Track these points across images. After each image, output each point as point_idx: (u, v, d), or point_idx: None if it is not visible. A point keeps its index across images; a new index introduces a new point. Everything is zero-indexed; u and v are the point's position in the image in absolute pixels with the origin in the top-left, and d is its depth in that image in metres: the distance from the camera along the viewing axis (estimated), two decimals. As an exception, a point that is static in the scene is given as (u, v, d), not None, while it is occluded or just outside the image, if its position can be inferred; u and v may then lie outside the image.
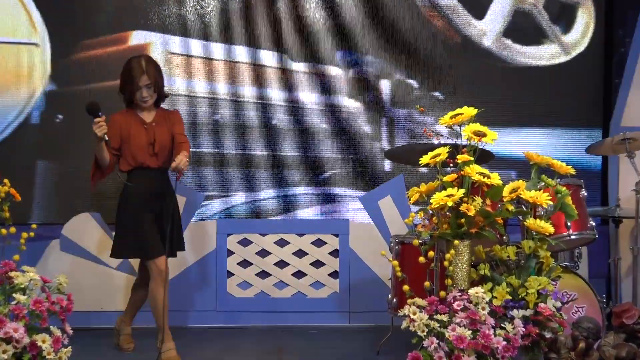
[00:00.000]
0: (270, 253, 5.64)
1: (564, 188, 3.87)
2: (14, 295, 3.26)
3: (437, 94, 5.48)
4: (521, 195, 3.71)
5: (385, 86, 5.23)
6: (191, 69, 4.87)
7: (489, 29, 5.29)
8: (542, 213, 3.84)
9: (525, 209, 3.79)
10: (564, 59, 5.42)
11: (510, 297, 3.54)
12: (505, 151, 5.44)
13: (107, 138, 4.32)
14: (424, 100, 5.28)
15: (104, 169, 4.52)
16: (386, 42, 5.28)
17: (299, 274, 5.70)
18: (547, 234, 3.64)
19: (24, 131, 5.40)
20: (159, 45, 4.67)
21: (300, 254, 5.69)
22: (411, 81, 5.42)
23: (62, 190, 5.46)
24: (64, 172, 5.46)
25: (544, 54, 5.46)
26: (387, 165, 5.54)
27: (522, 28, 5.53)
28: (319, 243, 5.71)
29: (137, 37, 5.12)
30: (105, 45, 5.12)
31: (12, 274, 3.34)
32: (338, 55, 5.04)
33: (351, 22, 5.26)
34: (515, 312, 3.48)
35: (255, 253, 5.56)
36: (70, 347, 3.35)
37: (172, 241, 4.54)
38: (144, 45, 5.10)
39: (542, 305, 3.49)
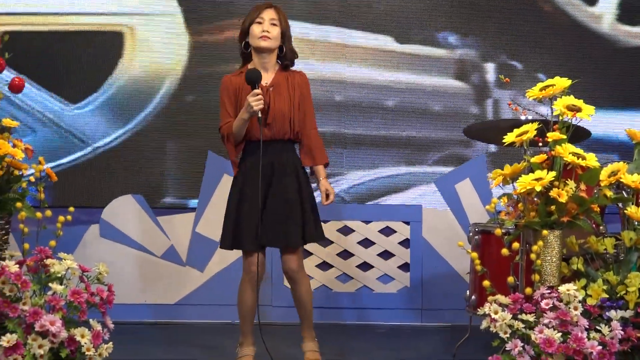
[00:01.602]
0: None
1: (672, 171, 3.79)
2: (50, 285, 3.33)
3: (540, 75, 5.60)
4: (622, 180, 3.65)
5: (489, 68, 5.57)
6: (310, 52, 5.38)
7: (597, 10, 5.57)
8: (646, 200, 3.78)
9: (626, 195, 3.73)
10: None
11: (607, 296, 3.49)
12: (608, 133, 5.48)
13: (260, 115, 4.12)
14: (527, 81, 5.47)
15: (238, 144, 4.30)
16: (486, 23, 5.57)
17: (365, 266, 5.72)
18: (652, 224, 3.59)
19: (162, 112, 5.68)
20: None
21: (366, 243, 5.72)
22: (514, 63, 5.63)
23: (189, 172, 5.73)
24: (192, 154, 5.72)
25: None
26: (492, 147, 5.57)
27: (631, 9, 5.68)
28: (387, 231, 5.72)
29: None
30: (230, 28, 5.51)
31: (48, 261, 3.40)
32: (440, 37, 5.46)
33: (451, 3, 5.55)
34: (612, 313, 3.43)
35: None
36: (111, 342, 3.42)
37: (280, 229, 4.23)
38: None
39: (644, 305, 3.45)
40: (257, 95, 4.10)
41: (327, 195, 4.32)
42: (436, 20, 5.54)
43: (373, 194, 5.68)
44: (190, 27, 5.59)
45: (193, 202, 5.71)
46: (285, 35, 4.32)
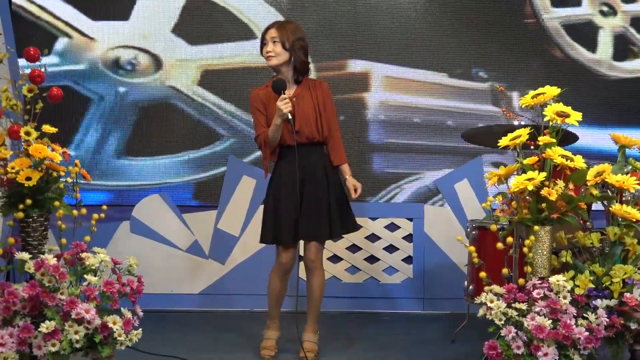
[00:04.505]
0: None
1: (653, 171, 3.78)
2: (85, 276, 3.34)
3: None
4: (606, 180, 3.64)
5: (514, 96, 5.86)
6: (398, 87, 5.79)
7: (600, 57, 5.97)
8: (629, 198, 3.76)
9: (610, 194, 3.71)
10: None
11: (594, 286, 3.48)
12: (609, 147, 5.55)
13: (290, 117, 4.15)
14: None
15: (273, 150, 4.35)
16: (506, 61, 5.86)
17: (372, 259, 5.72)
18: (634, 220, 3.57)
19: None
20: (376, 71, 5.77)
21: (373, 238, 5.71)
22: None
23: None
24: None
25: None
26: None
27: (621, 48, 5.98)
28: (392, 227, 5.72)
29: (355, 65, 5.83)
30: (329, 69, 5.82)
31: (83, 255, 3.41)
32: (473, 72, 5.83)
33: (481, 45, 5.85)
34: (598, 302, 3.42)
35: (327, 237, 5.58)
36: (140, 329, 3.43)
37: (311, 224, 4.27)
38: (364, 72, 5.81)
39: (627, 295, 3.43)
40: (285, 99, 4.14)
41: (355, 190, 4.36)
42: (470, 58, 5.86)
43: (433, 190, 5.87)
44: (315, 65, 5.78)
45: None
46: (292, 48, 4.27)
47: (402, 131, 5.80)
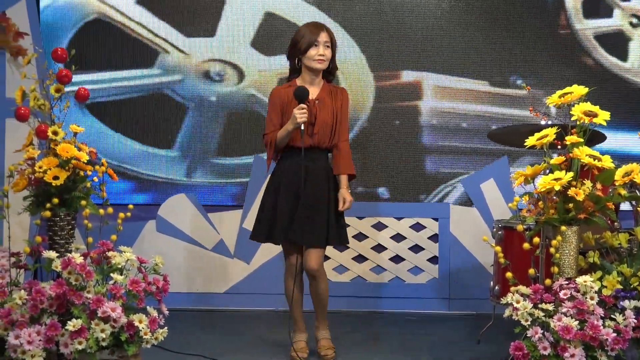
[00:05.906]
0: (367, 237, 5.66)
1: (683, 171, 3.73)
2: (111, 275, 3.36)
3: None
4: (635, 179, 3.60)
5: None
6: (447, 95, 5.93)
7: (631, 65, 5.97)
8: (658, 198, 3.72)
9: (639, 194, 3.68)
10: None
11: (622, 287, 3.45)
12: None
13: (302, 127, 4.15)
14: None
15: (279, 151, 4.35)
16: (542, 70, 5.91)
17: (397, 259, 5.70)
18: (663, 220, 3.53)
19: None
20: (427, 81, 5.90)
21: (398, 238, 5.70)
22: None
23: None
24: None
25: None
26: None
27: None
28: (418, 227, 5.70)
29: (409, 76, 5.94)
30: (387, 79, 5.93)
31: (110, 254, 3.43)
32: (511, 80, 5.93)
33: (519, 55, 5.93)
34: (626, 303, 3.39)
35: (352, 236, 5.55)
36: (166, 328, 3.44)
37: (306, 228, 4.23)
38: (417, 82, 5.92)
39: (656, 296, 3.39)
40: (303, 109, 4.13)
41: (344, 202, 4.27)
42: (506, 67, 5.93)
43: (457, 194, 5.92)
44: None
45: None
46: (334, 54, 4.34)
47: (452, 135, 5.87)
